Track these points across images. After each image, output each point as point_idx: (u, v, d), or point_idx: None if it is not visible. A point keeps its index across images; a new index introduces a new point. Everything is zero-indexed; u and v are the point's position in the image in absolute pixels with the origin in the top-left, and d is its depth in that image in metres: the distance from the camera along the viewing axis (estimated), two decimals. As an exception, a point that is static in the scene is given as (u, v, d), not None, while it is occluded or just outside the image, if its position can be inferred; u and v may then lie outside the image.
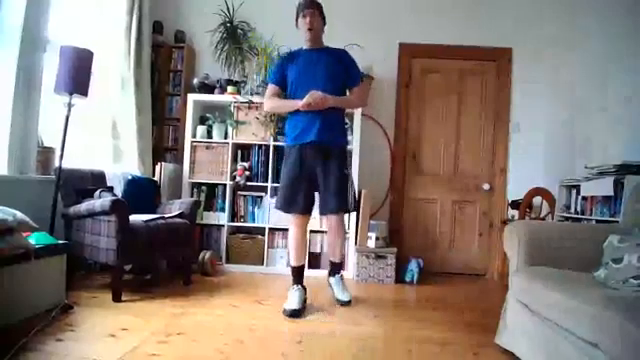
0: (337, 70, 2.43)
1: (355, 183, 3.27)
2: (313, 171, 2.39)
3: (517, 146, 3.71)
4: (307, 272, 3.17)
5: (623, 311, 1.16)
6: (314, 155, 2.37)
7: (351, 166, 2.62)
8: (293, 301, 2.33)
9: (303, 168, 2.38)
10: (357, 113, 3.32)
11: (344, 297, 2.52)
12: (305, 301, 2.40)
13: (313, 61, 2.42)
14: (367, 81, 2.39)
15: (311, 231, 3.27)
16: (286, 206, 2.42)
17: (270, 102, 2.51)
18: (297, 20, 2.46)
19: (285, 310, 2.28)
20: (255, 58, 3.51)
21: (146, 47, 3.41)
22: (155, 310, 2.23)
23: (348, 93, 2.54)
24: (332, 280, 2.64)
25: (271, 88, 2.51)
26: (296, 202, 2.38)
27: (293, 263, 2.52)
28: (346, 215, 2.83)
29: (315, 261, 3.33)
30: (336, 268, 2.66)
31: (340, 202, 2.38)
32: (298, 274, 2.50)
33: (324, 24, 2.51)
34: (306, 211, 2.43)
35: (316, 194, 2.46)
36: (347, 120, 3.20)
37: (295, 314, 2.25)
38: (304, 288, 2.45)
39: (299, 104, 2.31)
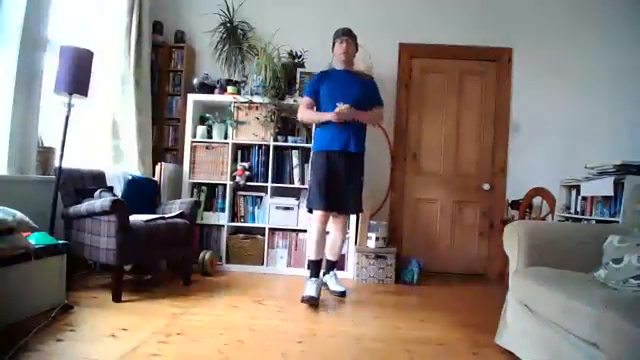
0: (363, 92, 2.75)
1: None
2: (338, 174, 2.67)
3: (517, 146, 3.71)
4: (306, 273, 3.20)
5: (623, 311, 1.16)
6: (339, 161, 2.68)
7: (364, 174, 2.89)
8: (311, 289, 2.54)
9: (329, 171, 2.67)
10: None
11: (339, 288, 2.73)
12: (320, 291, 2.60)
13: (345, 80, 2.75)
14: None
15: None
16: (318, 204, 2.67)
17: (305, 113, 2.83)
18: (333, 45, 2.82)
19: (304, 297, 2.48)
20: (255, 58, 3.51)
21: (146, 47, 3.41)
22: (155, 310, 2.23)
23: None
24: (327, 277, 2.86)
25: (306, 100, 2.82)
26: (322, 200, 2.65)
27: (313, 257, 2.72)
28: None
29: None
30: (332, 266, 2.90)
31: (357, 204, 2.76)
32: (316, 267, 2.71)
33: (356, 50, 2.88)
34: (330, 209, 2.68)
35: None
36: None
37: (313, 300, 2.46)
38: (321, 280, 2.70)
39: (329, 116, 2.63)
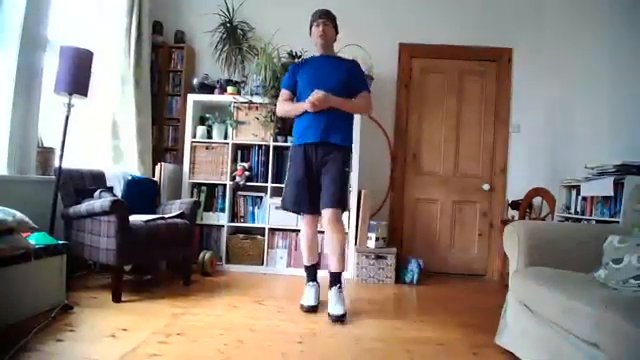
0: (345, 77, 2.45)
1: (355, 183, 3.29)
2: (317, 171, 2.41)
3: (517, 146, 3.71)
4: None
5: (623, 311, 1.16)
6: (318, 155, 2.40)
7: (351, 168, 2.55)
8: (310, 297, 2.43)
9: (307, 168, 2.40)
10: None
11: (335, 311, 2.24)
12: (319, 296, 2.49)
13: (324, 66, 2.49)
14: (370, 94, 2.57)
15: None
16: (292, 206, 2.45)
17: (281, 106, 2.59)
18: (310, 29, 2.54)
19: (303, 306, 2.39)
20: (255, 58, 3.51)
21: (146, 47, 3.41)
22: (155, 310, 2.23)
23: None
24: (329, 292, 2.38)
25: (283, 93, 2.59)
26: (303, 202, 2.41)
27: (306, 262, 2.59)
28: (345, 214, 2.82)
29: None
30: (335, 279, 2.42)
31: (336, 196, 2.34)
32: (311, 272, 2.58)
33: (336, 33, 2.59)
34: (314, 211, 2.44)
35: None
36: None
37: (313, 309, 2.36)
38: (318, 284, 2.54)
39: (304, 106, 2.37)
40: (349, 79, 2.46)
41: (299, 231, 3.34)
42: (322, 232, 3.23)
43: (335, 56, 2.61)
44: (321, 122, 2.36)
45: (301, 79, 2.50)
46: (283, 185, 2.58)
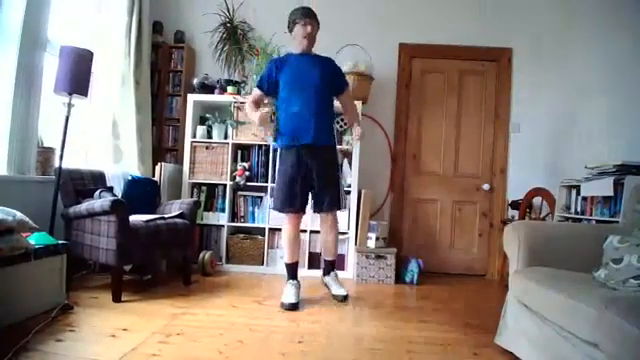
0: (328, 77, 2.58)
1: (355, 183, 3.30)
2: (309, 171, 2.53)
3: (517, 146, 3.71)
4: (307, 272, 3.21)
5: (623, 311, 1.16)
6: (310, 156, 2.51)
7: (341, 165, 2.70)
8: (290, 295, 2.46)
9: (300, 169, 2.51)
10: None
11: (341, 292, 2.61)
12: (299, 295, 2.53)
13: (307, 66, 2.55)
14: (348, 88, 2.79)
15: (311, 231, 3.28)
16: (283, 206, 2.55)
17: (249, 107, 2.65)
18: (293, 26, 2.56)
19: (283, 304, 2.41)
20: (255, 58, 3.50)
21: (146, 47, 3.41)
22: (155, 310, 2.23)
23: (336, 100, 2.73)
24: (327, 279, 2.76)
25: (255, 93, 2.68)
26: (293, 202, 2.53)
27: (287, 260, 2.64)
28: (340, 212, 2.90)
29: (316, 261, 3.31)
30: (330, 266, 2.77)
31: (335, 200, 2.57)
32: (293, 270, 2.63)
33: (318, 29, 2.65)
34: (301, 210, 2.58)
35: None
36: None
37: (294, 307, 2.39)
38: (298, 283, 2.61)
39: (256, 121, 2.53)
40: (332, 79, 2.62)
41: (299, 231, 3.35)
42: (315, 231, 3.26)
43: (314, 54, 2.65)
44: (311, 124, 2.48)
45: (284, 77, 2.56)
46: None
